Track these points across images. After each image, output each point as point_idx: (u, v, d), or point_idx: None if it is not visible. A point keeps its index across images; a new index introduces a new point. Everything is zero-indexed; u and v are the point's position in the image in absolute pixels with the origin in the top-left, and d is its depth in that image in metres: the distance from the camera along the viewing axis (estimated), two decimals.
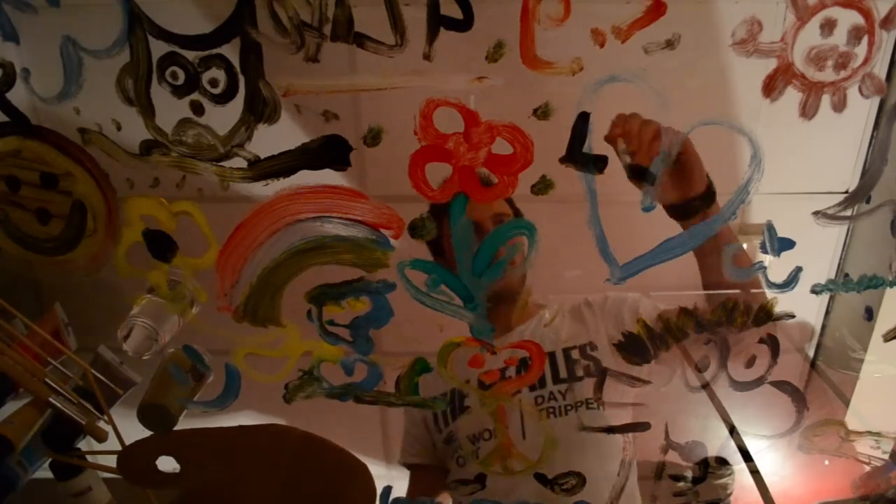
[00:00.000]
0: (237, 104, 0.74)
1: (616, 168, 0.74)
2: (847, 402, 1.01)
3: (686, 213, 0.78)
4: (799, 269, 0.79)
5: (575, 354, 1.00)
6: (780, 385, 0.88)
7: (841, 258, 1.15)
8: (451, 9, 0.69)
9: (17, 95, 0.78)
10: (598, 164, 0.73)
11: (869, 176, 0.76)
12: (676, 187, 0.77)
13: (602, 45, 0.69)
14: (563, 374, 0.99)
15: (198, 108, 0.75)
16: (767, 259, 0.79)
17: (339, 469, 0.92)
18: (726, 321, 0.83)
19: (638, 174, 0.74)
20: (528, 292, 0.92)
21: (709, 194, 0.77)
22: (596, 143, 0.73)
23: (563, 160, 0.74)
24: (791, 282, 0.79)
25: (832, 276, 1.13)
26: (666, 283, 0.84)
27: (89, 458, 0.92)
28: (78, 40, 0.74)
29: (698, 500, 0.98)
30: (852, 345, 1.03)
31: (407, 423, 1.17)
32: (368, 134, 0.75)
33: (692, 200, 0.77)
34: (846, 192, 0.84)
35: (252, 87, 0.73)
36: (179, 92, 0.75)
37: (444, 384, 0.95)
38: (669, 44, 0.70)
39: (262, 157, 0.76)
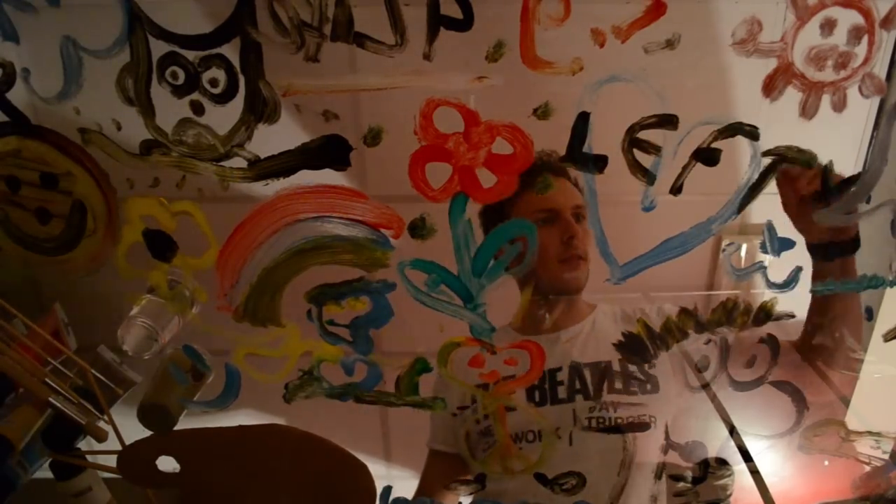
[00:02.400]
0: (237, 104, 0.74)
1: (616, 168, 0.74)
2: (847, 402, 1.01)
3: (827, 255, 0.81)
4: (799, 269, 0.79)
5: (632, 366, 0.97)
6: (780, 385, 0.88)
7: None
8: (451, 9, 0.69)
9: (17, 95, 0.78)
10: (597, 163, 0.73)
11: (869, 176, 0.76)
12: (825, 228, 0.80)
13: (602, 45, 0.69)
14: (618, 384, 0.98)
15: (198, 108, 0.75)
16: (767, 259, 0.79)
17: (339, 469, 0.92)
18: (726, 321, 0.83)
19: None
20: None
21: (854, 243, 0.81)
22: (596, 143, 0.73)
23: (563, 160, 0.74)
24: (791, 282, 0.79)
25: None
26: (666, 283, 0.84)
27: (89, 458, 0.92)
28: (78, 40, 0.73)
29: (698, 501, 0.98)
30: (852, 345, 1.02)
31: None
32: (368, 134, 0.75)
33: (836, 244, 0.81)
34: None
35: (252, 86, 0.73)
36: (179, 92, 0.75)
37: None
38: (669, 44, 0.70)
39: (262, 156, 0.76)
